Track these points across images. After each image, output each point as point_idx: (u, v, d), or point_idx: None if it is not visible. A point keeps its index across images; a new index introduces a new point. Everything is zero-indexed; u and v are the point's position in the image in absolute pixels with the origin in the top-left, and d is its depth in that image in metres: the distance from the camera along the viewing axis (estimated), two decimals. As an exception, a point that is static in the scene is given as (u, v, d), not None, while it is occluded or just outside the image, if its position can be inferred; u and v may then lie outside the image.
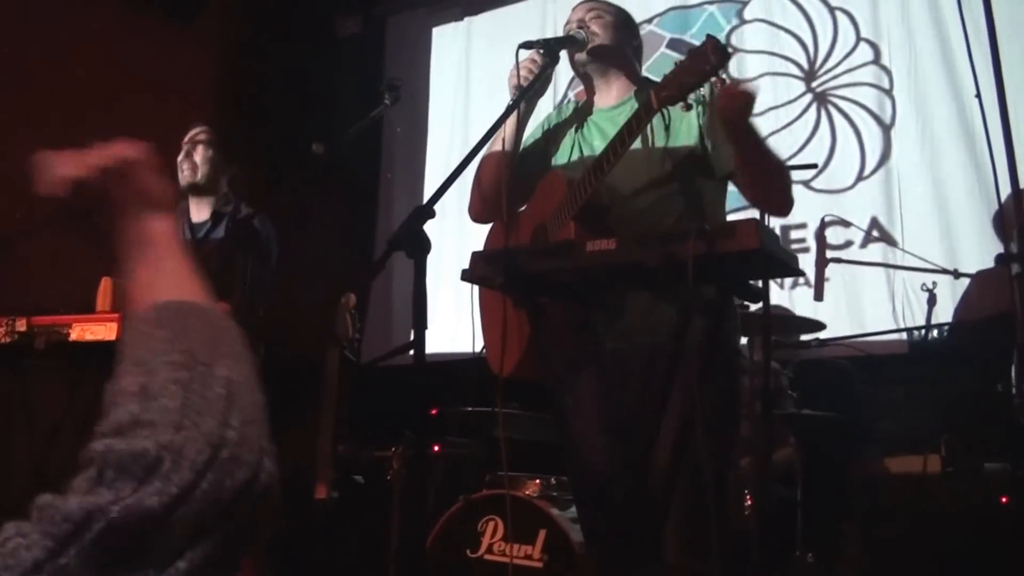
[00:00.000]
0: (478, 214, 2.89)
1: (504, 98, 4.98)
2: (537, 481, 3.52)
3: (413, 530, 3.54)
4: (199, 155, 3.63)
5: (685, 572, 2.43)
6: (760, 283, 2.96)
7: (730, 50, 2.21)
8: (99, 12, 5.26)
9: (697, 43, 2.22)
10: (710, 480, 2.37)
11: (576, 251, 2.34)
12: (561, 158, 2.80)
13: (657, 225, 2.54)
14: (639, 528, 2.41)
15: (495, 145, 2.71)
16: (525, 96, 2.68)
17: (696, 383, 2.29)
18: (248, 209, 3.55)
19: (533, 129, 2.87)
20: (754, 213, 2.97)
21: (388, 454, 3.84)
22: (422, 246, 2.00)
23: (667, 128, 2.62)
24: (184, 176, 3.62)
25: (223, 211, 3.60)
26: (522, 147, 2.82)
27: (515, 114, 2.71)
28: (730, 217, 2.76)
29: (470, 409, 4.05)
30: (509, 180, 2.69)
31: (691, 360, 2.35)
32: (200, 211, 3.63)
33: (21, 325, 3.28)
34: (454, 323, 4.87)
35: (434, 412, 4.00)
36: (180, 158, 3.64)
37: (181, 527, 0.68)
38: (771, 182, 2.55)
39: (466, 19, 6.01)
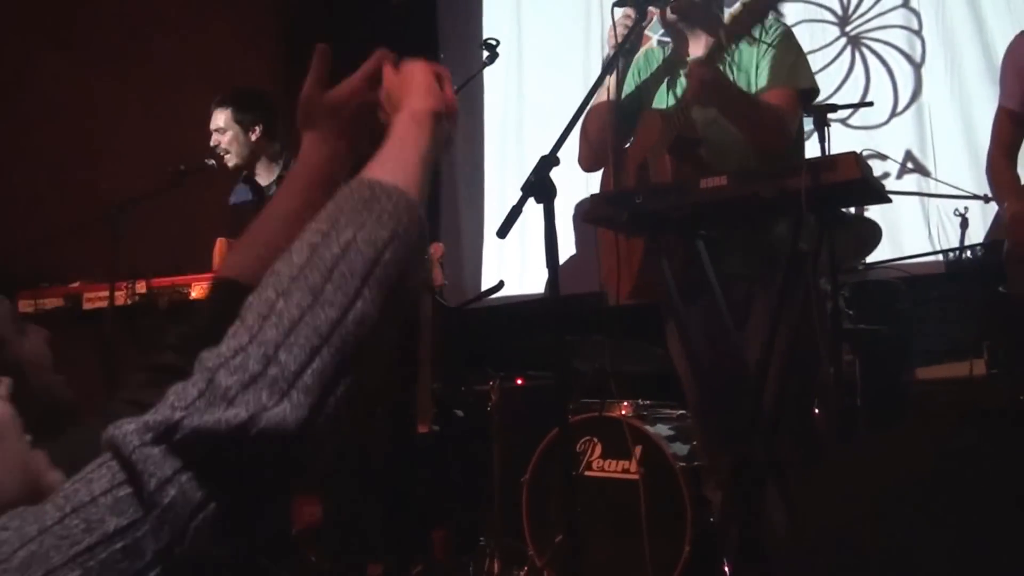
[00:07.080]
0: (588, 163, 3.13)
1: (558, 45, 5.20)
2: (626, 403, 3.66)
3: (516, 457, 3.81)
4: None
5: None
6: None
7: None
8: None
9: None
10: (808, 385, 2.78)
11: (690, 188, 2.56)
12: (658, 107, 3.02)
13: (747, 156, 2.78)
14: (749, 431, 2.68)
15: (600, 97, 2.90)
16: (622, 53, 2.93)
17: (808, 304, 2.54)
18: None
19: (626, 81, 3.08)
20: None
21: (487, 388, 4.02)
22: (550, 192, 2.17)
23: (738, 66, 2.87)
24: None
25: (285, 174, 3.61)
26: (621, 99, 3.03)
27: (616, 70, 2.94)
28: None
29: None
30: (614, 126, 2.93)
31: (798, 284, 2.57)
32: (268, 175, 3.83)
33: (141, 287, 3.34)
34: (522, 267, 5.19)
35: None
36: None
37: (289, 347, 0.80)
38: (762, 132, 2.78)
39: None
